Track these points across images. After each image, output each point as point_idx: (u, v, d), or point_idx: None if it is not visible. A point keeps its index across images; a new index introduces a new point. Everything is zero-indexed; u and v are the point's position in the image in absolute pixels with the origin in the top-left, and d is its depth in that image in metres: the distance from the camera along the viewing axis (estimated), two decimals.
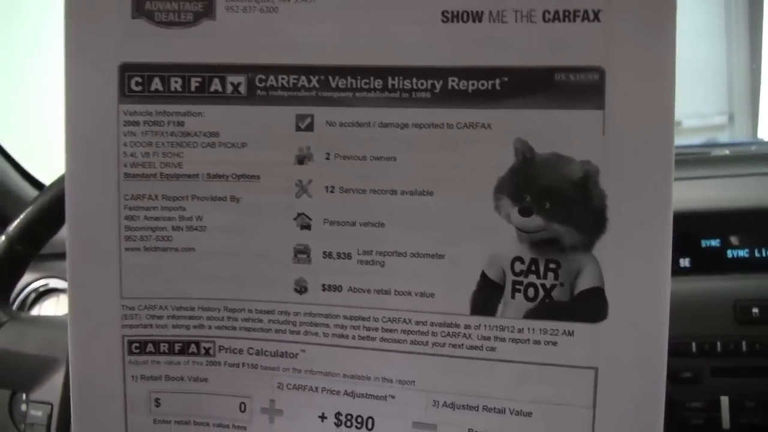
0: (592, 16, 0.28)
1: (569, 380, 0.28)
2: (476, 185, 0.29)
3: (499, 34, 0.28)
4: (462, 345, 0.29)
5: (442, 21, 0.29)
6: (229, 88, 0.30)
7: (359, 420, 0.30)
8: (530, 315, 0.29)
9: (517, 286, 0.29)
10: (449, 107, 0.29)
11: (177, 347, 0.31)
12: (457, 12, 0.29)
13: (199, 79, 0.30)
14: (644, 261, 0.27)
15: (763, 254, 0.75)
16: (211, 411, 0.32)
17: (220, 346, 0.31)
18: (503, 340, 0.29)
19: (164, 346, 0.31)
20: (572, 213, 0.28)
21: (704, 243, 0.76)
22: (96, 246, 0.31)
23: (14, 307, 0.91)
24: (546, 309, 0.28)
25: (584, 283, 0.28)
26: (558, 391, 0.28)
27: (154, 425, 0.32)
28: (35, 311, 0.94)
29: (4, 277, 0.67)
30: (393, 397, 0.30)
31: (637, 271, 0.27)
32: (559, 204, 0.28)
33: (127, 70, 0.30)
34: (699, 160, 0.92)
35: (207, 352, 0.31)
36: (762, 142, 1.21)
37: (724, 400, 0.64)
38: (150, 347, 0.31)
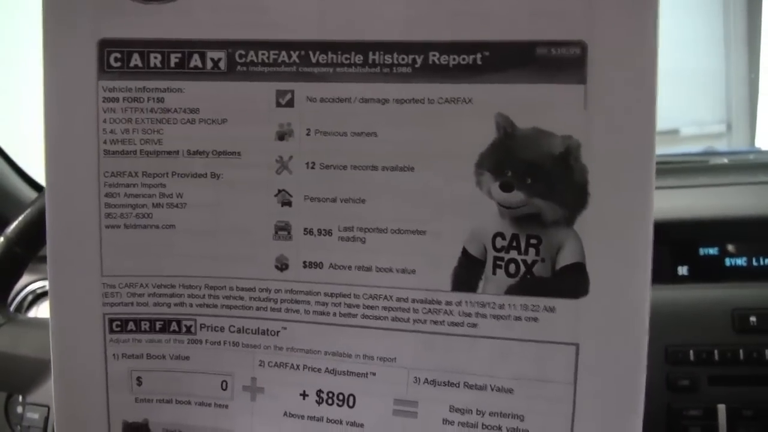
0: None
1: (550, 356, 0.28)
2: (457, 160, 0.28)
3: (480, 8, 0.28)
4: (443, 321, 0.29)
5: None
6: (209, 64, 0.30)
7: (341, 397, 0.30)
8: (511, 291, 0.28)
9: (498, 262, 0.28)
10: (430, 82, 0.28)
11: (158, 325, 0.31)
12: None
13: (179, 55, 0.30)
14: (626, 236, 0.27)
15: (761, 263, 0.75)
16: (193, 389, 0.32)
17: (201, 324, 0.31)
18: (484, 316, 0.28)
19: (145, 324, 0.31)
20: (554, 188, 0.28)
21: (702, 251, 0.76)
22: (76, 223, 0.30)
23: (11, 308, 0.91)
24: (527, 285, 0.28)
25: (565, 259, 0.28)
26: (539, 367, 0.28)
27: (136, 404, 0.32)
28: (32, 313, 0.94)
29: (1, 279, 0.67)
30: (374, 374, 0.30)
31: (619, 246, 0.27)
32: (541, 179, 0.28)
33: (106, 45, 0.30)
34: (697, 168, 0.92)
35: (188, 330, 0.31)
36: (760, 151, 1.21)
37: (722, 409, 0.64)
38: (131, 325, 0.31)
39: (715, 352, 0.65)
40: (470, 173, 0.28)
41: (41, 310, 0.94)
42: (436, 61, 0.28)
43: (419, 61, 0.28)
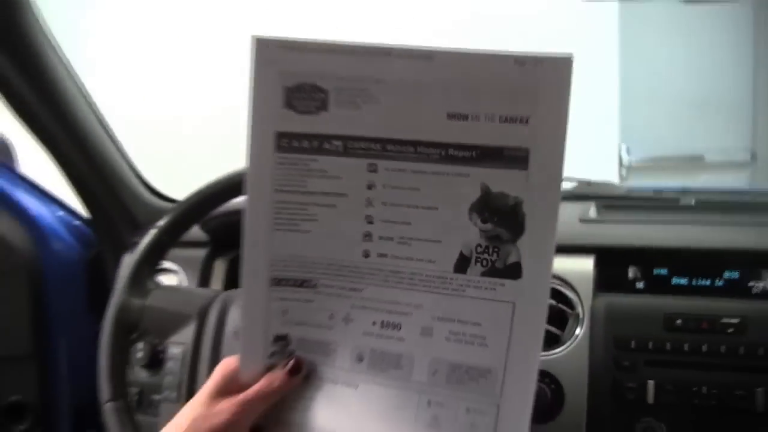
0: (524, 120, 0.54)
1: (500, 308, 0.55)
2: (460, 206, 0.55)
3: (476, 127, 0.55)
4: (448, 288, 0.56)
5: (447, 118, 0.55)
6: (333, 147, 0.57)
7: (393, 324, 0.57)
8: (484, 274, 0.55)
9: (478, 259, 0.55)
10: (448, 164, 0.55)
11: (298, 282, 0.59)
12: (454, 114, 0.55)
13: (317, 142, 0.57)
14: (540, 249, 0.53)
15: (698, 282, 1.01)
16: (314, 318, 0.59)
17: (321, 283, 0.58)
18: (469, 286, 0.55)
19: (291, 282, 0.59)
20: (508, 223, 0.54)
21: (656, 271, 1.02)
22: (259, 228, 0.58)
23: None
24: (492, 271, 0.55)
25: (511, 259, 0.54)
26: (495, 313, 0.55)
27: (282, 325, 0.59)
28: None
29: (154, 258, 0.96)
30: (411, 314, 0.57)
31: (538, 255, 0.54)
32: (502, 218, 0.54)
33: (279, 135, 0.57)
34: (668, 207, 1.18)
35: (313, 286, 0.59)
36: (726, 191, 1.43)
37: (650, 384, 0.90)
38: (283, 282, 0.59)
39: (650, 343, 0.90)
40: (466, 212, 0.55)
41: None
42: (452, 153, 0.55)
43: (443, 153, 0.55)
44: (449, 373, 0.56)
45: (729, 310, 0.90)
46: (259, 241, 0.58)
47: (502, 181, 0.54)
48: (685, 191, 1.29)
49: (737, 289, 0.97)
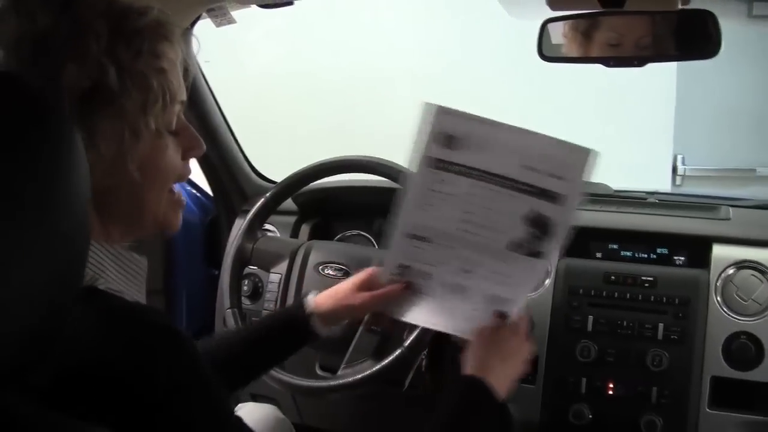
0: (563, 178, 1.00)
1: (525, 272, 1.04)
2: (516, 215, 1.02)
3: (537, 176, 1.00)
4: (500, 257, 1.04)
5: (521, 167, 1.01)
6: (455, 170, 1.02)
7: (467, 270, 1.05)
8: (524, 254, 1.03)
9: (522, 246, 1.03)
10: (515, 192, 1.01)
11: (420, 238, 1.05)
12: (527, 165, 1.01)
13: (447, 165, 1.02)
14: (556, 245, 1.02)
15: (639, 255, 1.45)
16: (424, 259, 1.06)
17: (433, 241, 1.05)
18: (512, 258, 1.03)
19: (417, 237, 1.06)
20: (543, 230, 1.01)
21: (610, 246, 1.47)
22: (411, 206, 1.04)
23: None
24: (529, 254, 1.03)
25: (540, 249, 1.02)
26: (522, 273, 1.04)
27: (406, 260, 1.07)
28: None
29: (263, 217, 1.44)
30: (479, 267, 1.05)
31: (554, 248, 1.02)
32: (541, 227, 1.01)
33: (427, 159, 1.02)
34: (636, 203, 1.61)
35: (429, 242, 1.05)
36: (683, 194, 1.86)
37: (590, 318, 1.37)
38: (413, 237, 1.05)
39: (592, 291, 1.39)
40: (519, 219, 1.02)
41: None
42: (520, 186, 1.01)
43: (515, 185, 1.01)
44: (489, 298, 1.05)
45: (648, 272, 1.38)
46: (409, 212, 1.05)
47: (544, 208, 1.00)
48: (653, 192, 1.71)
49: (665, 261, 1.43)
